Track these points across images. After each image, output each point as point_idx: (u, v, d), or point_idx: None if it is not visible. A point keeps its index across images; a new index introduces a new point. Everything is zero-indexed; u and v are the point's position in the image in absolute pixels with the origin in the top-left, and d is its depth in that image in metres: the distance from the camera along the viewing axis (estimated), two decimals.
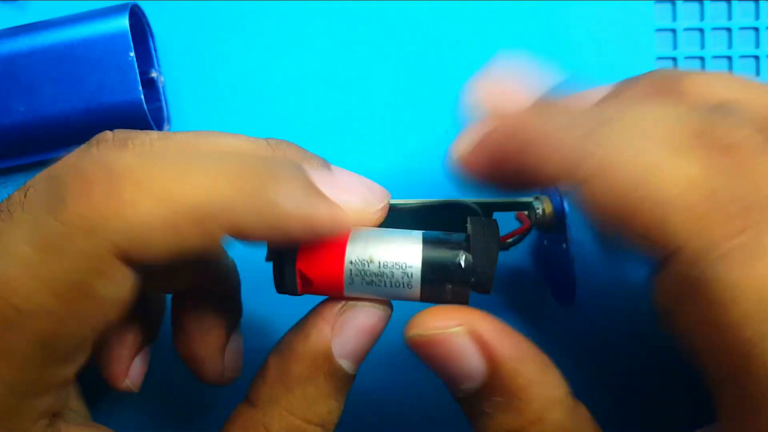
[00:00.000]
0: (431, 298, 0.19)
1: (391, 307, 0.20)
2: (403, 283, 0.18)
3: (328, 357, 0.19)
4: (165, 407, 0.29)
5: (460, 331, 0.18)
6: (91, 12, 0.25)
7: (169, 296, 0.25)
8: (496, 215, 0.22)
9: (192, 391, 0.29)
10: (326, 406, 0.19)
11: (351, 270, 0.18)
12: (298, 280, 0.19)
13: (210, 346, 0.23)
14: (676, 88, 0.19)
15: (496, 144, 0.18)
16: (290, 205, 0.17)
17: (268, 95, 0.29)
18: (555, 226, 0.25)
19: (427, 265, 0.18)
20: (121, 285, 0.16)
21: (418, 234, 0.19)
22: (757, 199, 0.16)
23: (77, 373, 0.18)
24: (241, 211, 0.16)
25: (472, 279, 0.18)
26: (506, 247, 0.23)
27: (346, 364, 0.19)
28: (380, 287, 0.18)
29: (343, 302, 0.19)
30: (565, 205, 0.25)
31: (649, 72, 0.21)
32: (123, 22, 0.25)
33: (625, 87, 0.21)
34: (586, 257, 0.29)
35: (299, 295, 0.19)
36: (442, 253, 0.18)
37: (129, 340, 0.24)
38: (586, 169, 0.16)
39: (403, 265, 0.18)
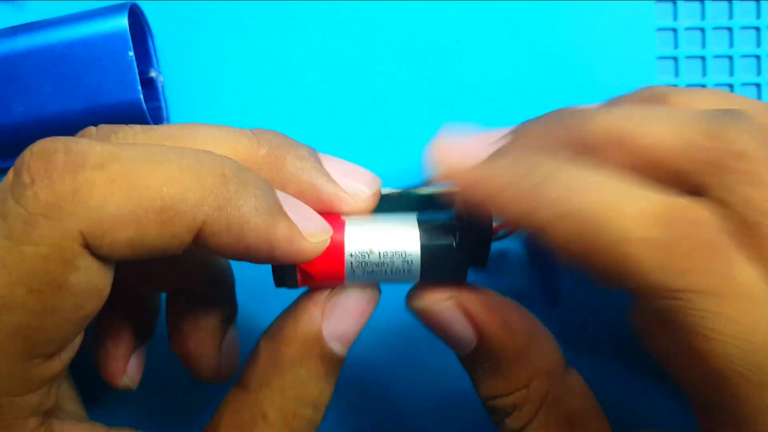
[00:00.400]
0: (430, 279, 0.19)
1: (379, 289, 0.20)
2: (403, 270, 0.19)
3: (318, 340, 0.19)
4: (162, 406, 0.29)
5: (450, 305, 0.19)
6: (90, 11, 0.25)
7: (163, 295, 0.25)
8: None
9: (189, 390, 0.28)
10: (317, 387, 0.19)
11: (352, 263, 0.18)
12: (299, 276, 0.19)
13: (206, 344, 0.23)
14: (666, 102, 0.20)
15: (461, 198, 0.19)
16: (253, 218, 0.17)
17: (267, 95, 0.29)
18: None
19: (425, 250, 0.18)
20: (92, 276, 0.16)
21: (412, 218, 0.19)
22: (749, 214, 0.16)
23: (64, 369, 0.18)
24: (206, 213, 0.16)
25: (470, 257, 0.19)
26: (496, 239, 0.24)
27: (336, 347, 0.19)
28: (381, 275, 0.19)
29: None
30: None
31: (638, 89, 0.21)
32: (122, 22, 0.25)
33: (616, 103, 0.21)
34: None
35: (299, 288, 0.19)
36: (439, 237, 0.19)
37: (124, 338, 0.24)
38: (542, 216, 0.16)
39: (403, 253, 0.18)
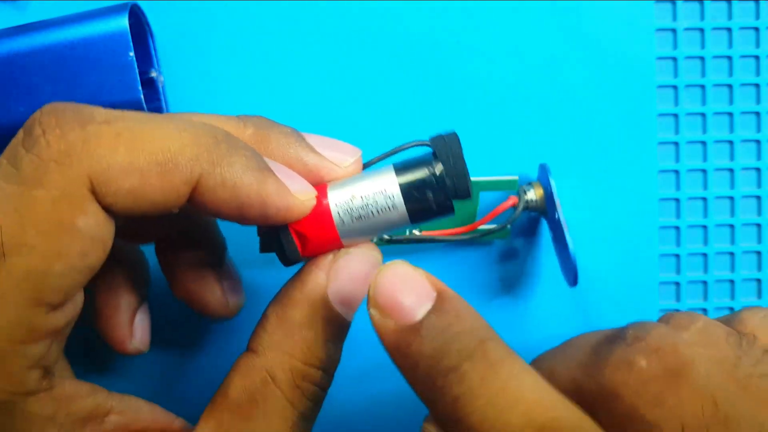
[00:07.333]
0: (419, 215, 0.20)
1: (381, 253, 0.21)
2: (388, 207, 0.19)
3: (324, 302, 0.20)
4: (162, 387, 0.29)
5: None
6: (91, 12, 0.25)
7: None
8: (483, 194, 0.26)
9: (189, 369, 0.29)
10: (325, 350, 0.20)
11: (338, 212, 0.20)
12: (297, 241, 0.20)
13: (205, 281, 0.24)
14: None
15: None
16: (245, 174, 0.18)
17: (268, 95, 0.29)
18: (549, 210, 0.26)
19: (404, 184, 0.19)
20: (98, 223, 0.17)
21: (387, 165, 0.20)
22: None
23: (66, 326, 0.18)
24: (202, 167, 0.18)
25: (448, 182, 0.19)
26: (502, 228, 0.26)
27: (342, 310, 0.20)
28: (370, 219, 0.20)
29: (336, 251, 0.20)
30: (554, 190, 0.26)
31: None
32: (122, 22, 0.25)
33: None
34: (586, 239, 0.29)
35: (303, 258, 0.20)
36: (414, 170, 0.20)
37: (123, 303, 0.24)
38: (437, 414, 0.17)
39: (383, 191, 0.19)
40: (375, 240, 0.24)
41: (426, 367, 0.16)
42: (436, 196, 0.19)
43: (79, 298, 0.18)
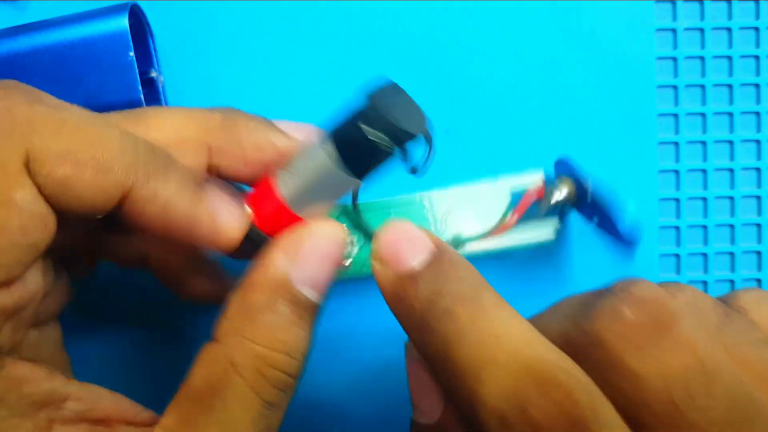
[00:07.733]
0: (349, 151, 0.19)
1: (345, 231, 0.20)
2: (318, 152, 0.19)
3: (285, 284, 0.19)
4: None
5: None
6: (91, 12, 0.25)
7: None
8: None
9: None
10: (290, 334, 0.19)
11: (278, 174, 0.20)
12: (250, 206, 0.20)
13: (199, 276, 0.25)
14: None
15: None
16: (179, 193, 0.18)
17: (268, 95, 0.29)
18: (582, 202, 0.26)
19: (330, 128, 0.19)
20: (35, 197, 0.17)
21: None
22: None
23: (16, 307, 0.18)
24: (136, 176, 0.18)
25: (371, 105, 0.18)
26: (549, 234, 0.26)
27: (307, 291, 0.19)
28: (308, 172, 0.19)
29: (297, 230, 0.20)
30: (581, 172, 0.25)
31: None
32: (122, 22, 0.25)
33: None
34: (586, 240, 0.29)
35: (263, 235, 0.20)
36: (341, 116, 0.19)
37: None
38: (427, 351, 0.17)
39: (313, 140, 0.19)
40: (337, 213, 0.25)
41: (421, 310, 0.17)
42: (369, 129, 0.18)
43: (31, 282, 0.18)
